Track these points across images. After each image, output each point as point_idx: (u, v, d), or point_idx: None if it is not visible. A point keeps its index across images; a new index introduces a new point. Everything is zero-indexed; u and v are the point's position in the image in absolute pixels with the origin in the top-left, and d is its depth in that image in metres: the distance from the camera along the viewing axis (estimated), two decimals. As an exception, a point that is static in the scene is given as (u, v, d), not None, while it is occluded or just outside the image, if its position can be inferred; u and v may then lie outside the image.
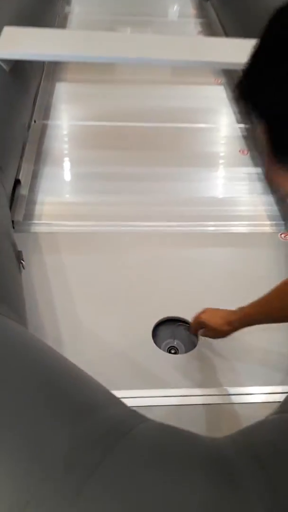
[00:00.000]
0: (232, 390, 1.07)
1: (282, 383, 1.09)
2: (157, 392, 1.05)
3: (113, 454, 0.59)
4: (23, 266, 1.15)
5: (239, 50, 1.67)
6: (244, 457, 0.60)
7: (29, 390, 0.66)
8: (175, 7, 3.00)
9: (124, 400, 1.03)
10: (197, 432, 0.86)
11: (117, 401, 0.73)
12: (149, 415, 1.01)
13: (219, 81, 2.24)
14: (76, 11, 2.78)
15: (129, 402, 1.03)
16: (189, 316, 1.21)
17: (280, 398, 1.06)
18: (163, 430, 0.67)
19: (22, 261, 1.13)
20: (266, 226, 1.53)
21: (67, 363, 0.79)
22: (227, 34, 2.46)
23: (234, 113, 2.04)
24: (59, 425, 0.62)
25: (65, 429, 0.61)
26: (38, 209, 1.49)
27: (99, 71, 2.16)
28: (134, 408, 1.01)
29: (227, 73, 2.26)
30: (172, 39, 1.76)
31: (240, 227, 1.51)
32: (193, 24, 2.76)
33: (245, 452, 0.61)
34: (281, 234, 1.48)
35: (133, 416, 0.68)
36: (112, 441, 0.60)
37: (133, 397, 1.04)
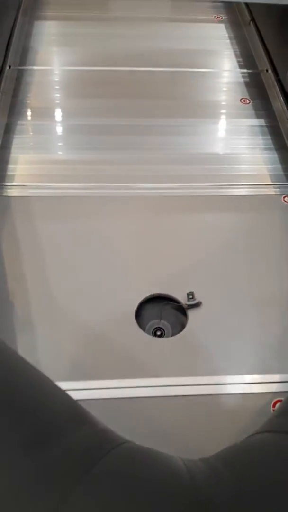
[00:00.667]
0: (224, 379, 0.96)
1: (278, 370, 0.97)
2: (141, 382, 0.94)
3: (74, 495, 0.48)
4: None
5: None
6: (226, 498, 0.49)
7: None
8: None
9: (103, 392, 0.94)
10: (185, 429, 0.75)
11: (86, 420, 0.61)
12: (132, 407, 0.92)
13: (220, 17, 1.99)
14: None
15: (109, 394, 0.94)
16: (178, 293, 1.08)
17: (276, 387, 0.96)
18: (129, 464, 0.55)
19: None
20: (269, 188, 1.37)
21: (25, 368, 0.66)
22: None
23: (236, 55, 1.82)
24: (15, 457, 0.51)
25: (20, 463, 0.50)
26: (10, 169, 1.32)
27: (85, 6, 1.92)
28: (111, 400, 0.92)
29: (228, 8, 2.01)
30: None
31: (240, 189, 1.35)
32: None
33: (227, 492, 0.50)
34: (284, 197, 1.32)
35: (102, 442, 0.57)
36: (71, 481, 0.49)
37: (113, 388, 0.93)
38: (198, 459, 0.64)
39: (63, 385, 0.64)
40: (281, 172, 1.40)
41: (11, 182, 1.29)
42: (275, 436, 0.64)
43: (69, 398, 0.67)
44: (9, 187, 1.27)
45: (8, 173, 1.31)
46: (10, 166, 1.33)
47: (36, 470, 0.50)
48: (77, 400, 0.65)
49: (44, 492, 0.48)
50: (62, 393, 0.67)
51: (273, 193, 1.35)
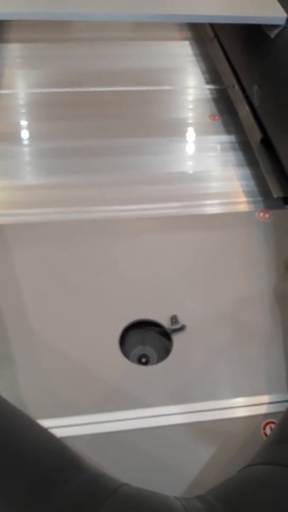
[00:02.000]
0: (213, 404, 0.95)
1: (266, 392, 0.97)
2: (128, 414, 0.92)
3: None
4: None
5: (205, 0, 1.48)
6: None
7: None
8: None
9: (90, 427, 0.91)
10: (178, 459, 0.72)
11: (80, 467, 0.59)
12: (120, 442, 0.89)
13: (184, 35, 2.02)
14: None
15: (95, 429, 0.91)
16: (160, 317, 1.07)
17: (266, 409, 0.95)
18: (130, 510, 0.53)
19: None
20: (243, 204, 1.38)
21: (12, 415, 0.63)
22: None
23: (202, 72, 1.84)
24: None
25: None
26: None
27: (49, 29, 1.91)
28: (101, 436, 0.89)
29: (192, 26, 2.03)
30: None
31: (214, 207, 1.36)
32: None
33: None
34: (259, 213, 1.33)
35: (98, 489, 0.55)
36: None
37: (99, 422, 0.90)
38: (193, 497, 0.62)
39: (47, 422, 0.62)
40: (254, 188, 1.42)
41: (-16, 210, 1.25)
42: (269, 469, 0.63)
43: (59, 442, 0.64)
44: (-19, 215, 1.24)
45: (-19, 201, 1.28)
46: (-17, 194, 1.30)
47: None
48: (63, 437, 0.63)
49: None
50: (52, 437, 0.65)
51: (247, 209, 1.36)
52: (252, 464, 0.65)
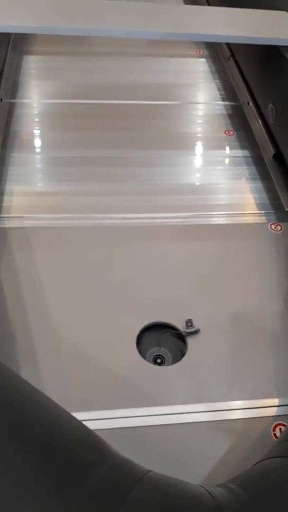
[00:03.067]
0: (224, 405, 0.99)
1: (277, 394, 1.01)
2: (144, 411, 0.96)
3: None
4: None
5: (224, 21, 1.55)
6: None
7: (5, 449, 0.55)
8: None
9: (109, 422, 0.95)
10: (192, 456, 0.76)
11: (108, 452, 0.63)
12: (136, 438, 0.94)
13: (201, 53, 2.09)
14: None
15: (114, 424, 0.95)
16: (175, 321, 1.11)
17: (275, 411, 0.99)
18: (161, 491, 0.57)
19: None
20: (256, 216, 1.43)
21: (45, 403, 0.68)
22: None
23: (218, 89, 1.91)
24: (48, 494, 0.53)
25: (55, 499, 0.52)
26: (6, 200, 1.35)
27: (70, 42, 1.98)
28: (117, 431, 0.93)
29: (209, 44, 2.11)
30: (150, 7, 1.59)
31: (227, 218, 1.41)
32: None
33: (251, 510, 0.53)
34: (271, 225, 1.38)
35: (127, 473, 0.59)
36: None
37: (118, 418, 0.95)
38: (215, 485, 0.67)
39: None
40: (267, 201, 1.47)
41: (8, 214, 1.31)
42: (284, 461, 0.68)
43: (87, 429, 0.68)
44: (6, 218, 1.29)
45: (4, 204, 1.33)
46: (6, 198, 1.35)
47: (74, 506, 0.52)
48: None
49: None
50: (81, 424, 0.69)
51: (260, 221, 1.41)
52: (268, 458, 0.70)
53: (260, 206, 1.45)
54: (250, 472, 0.66)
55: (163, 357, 1.07)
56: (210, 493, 0.61)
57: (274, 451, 0.72)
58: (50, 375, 1.00)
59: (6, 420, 0.59)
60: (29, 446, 0.57)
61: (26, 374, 0.99)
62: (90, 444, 0.64)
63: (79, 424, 0.67)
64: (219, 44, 2.09)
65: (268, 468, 0.66)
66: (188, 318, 1.11)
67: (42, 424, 0.63)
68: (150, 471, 0.63)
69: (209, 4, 2.23)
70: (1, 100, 1.63)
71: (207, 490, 0.62)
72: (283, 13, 1.58)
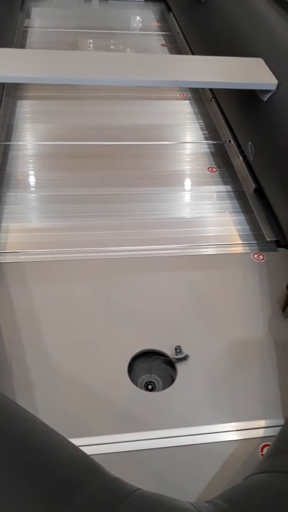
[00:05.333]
0: (213, 427, 1.03)
1: (264, 416, 1.06)
2: (136, 436, 1.00)
3: None
4: (-12, 305, 1.08)
5: (205, 68, 1.68)
6: None
7: (3, 470, 0.60)
8: (138, 20, 2.97)
9: (100, 447, 0.99)
10: (182, 478, 0.81)
11: (98, 471, 0.67)
12: (129, 461, 0.97)
13: (185, 95, 2.22)
14: (36, 24, 2.71)
15: (105, 449, 0.99)
16: (165, 348, 1.17)
17: (263, 433, 1.03)
18: (149, 507, 0.62)
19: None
20: (239, 246, 1.51)
21: (39, 426, 0.72)
22: (190, 46, 2.45)
23: (201, 128, 2.02)
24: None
25: None
26: (2, 237, 1.42)
27: (62, 88, 2.11)
28: (111, 455, 0.97)
29: (192, 88, 2.24)
30: (136, 57, 1.72)
31: (212, 249, 1.48)
32: (156, 37, 2.74)
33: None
34: (253, 254, 1.46)
35: (116, 490, 0.63)
36: None
37: (111, 443, 0.99)
38: (203, 502, 0.71)
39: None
40: (249, 232, 1.55)
41: (4, 250, 1.37)
42: (268, 476, 0.72)
43: (79, 451, 0.73)
44: (2, 254, 1.36)
45: (0, 241, 1.40)
46: (2, 235, 1.42)
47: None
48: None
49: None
50: (73, 446, 0.73)
51: (244, 251, 1.48)
52: (254, 474, 0.74)
53: (243, 237, 1.53)
54: (236, 487, 0.70)
55: (154, 383, 1.12)
56: (196, 507, 0.65)
57: (259, 468, 0.76)
58: (45, 403, 1.04)
59: (6, 440, 0.63)
60: (25, 464, 0.61)
61: (22, 402, 1.03)
62: (82, 465, 0.68)
63: (71, 446, 0.71)
64: (202, 87, 2.23)
65: (252, 483, 0.70)
66: (177, 344, 1.16)
67: (38, 445, 0.67)
68: (139, 489, 0.67)
69: (192, 53, 2.38)
70: (-4, 142, 1.72)
71: (193, 505, 0.66)
72: (259, 59, 1.71)
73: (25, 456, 0.64)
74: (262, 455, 1.00)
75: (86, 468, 0.69)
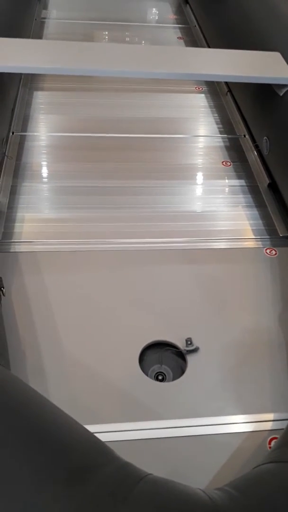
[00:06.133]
0: (222, 419, 1.04)
1: (272, 409, 1.07)
2: (146, 425, 1.02)
3: None
4: (3, 293, 1.10)
5: (221, 62, 1.67)
6: None
7: (18, 451, 0.62)
8: (154, 12, 2.96)
9: (110, 435, 1.01)
10: (191, 468, 0.83)
11: (111, 455, 0.69)
12: (139, 450, 0.99)
13: (201, 88, 2.22)
14: (53, 15, 2.71)
15: (115, 436, 1.01)
16: (176, 339, 1.18)
17: (271, 426, 1.04)
18: (161, 491, 0.63)
19: (2, 289, 1.07)
20: (252, 241, 1.51)
21: (56, 411, 0.74)
22: (206, 39, 2.44)
23: (216, 122, 2.02)
24: (59, 492, 0.59)
25: (66, 496, 0.58)
26: (17, 227, 1.44)
27: (77, 79, 2.11)
28: (122, 443, 0.99)
29: (208, 81, 2.24)
30: (152, 49, 1.72)
31: (224, 243, 1.49)
32: (172, 29, 2.73)
33: (244, 509, 0.59)
34: (266, 249, 1.46)
35: (129, 474, 0.65)
36: (114, 508, 0.57)
37: (119, 431, 1.00)
38: (213, 489, 0.72)
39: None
40: (262, 227, 1.55)
41: (19, 239, 1.39)
42: (277, 466, 0.73)
43: (92, 435, 0.75)
44: (17, 243, 1.38)
45: (16, 230, 1.42)
46: (17, 224, 1.44)
47: (79, 503, 0.58)
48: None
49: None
50: (86, 431, 0.75)
51: (256, 246, 1.49)
52: (262, 463, 0.75)
53: (256, 232, 1.53)
54: (245, 476, 0.72)
55: (164, 374, 1.14)
56: (207, 494, 0.66)
57: (268, 458, 0.78)
58: (57, 391, 1.06)
59: (23, 423, 0.65)
60: (42, 447, 0.63)
61: (35, 388, 1.05)
62: (96, 448, 0.70)
63: (84, 431, 0.73)
64: (218, 81, 2.22)
65: (260, 472, 0.71)
66: (188, 336, 1.17)
67: (53, 428, 0.69)
68: (150, 474, 0.69)
69: (209, 46, 2.37)
70: (13, 133, 1.74)
71: (203, 492, 0.67)
72: (276, 53, 1.70)
73: (41, 438, 0.66)
74: (270, 447, 1.01)
75: (99, 452, 0.70)
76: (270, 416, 1.06)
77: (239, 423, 1.04)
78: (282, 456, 0.74)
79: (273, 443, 1.01)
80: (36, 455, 0.63)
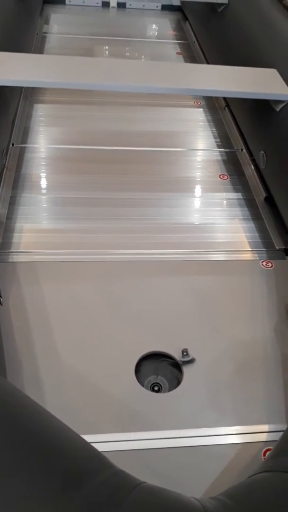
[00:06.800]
0: (217, 430, 1.05)
1: (268, 421, 1.07)
2: (141, 435, 1.02)
3: None
4: (1, 303, 1.11)
5: (220, 77, 1.70)
6: None
7: (13, 457, 0.62)
8: (154, 28, 3.02)
9: (106, 445, 1.01)
10: (186, 478, 0.83)
11: (106, 463, 0.70)
12: (134, 460, 0.99)
13: (199, 103, 2.25)
14: (55, 30, 2.76)
15: (111, 447, 1.01)
16: (172, 350, 1.19)
17: (266, 437, 1.05)
18: (154, 499, 0.64)
19: (0, 298, 1.08)
20: (248, 253, 1.52)
21: (51, 419, 0.75)
22: (205, 55, 2.49)
23: (214, 136, 2.05)
24: (53, 498, 0.59)
25: (60, 503, 0.58)
26: (16, 237, 1.45)
27: (77, 93, 2.14)
28: (117, 453, 0.99)
29: (206, 96, 2.27)
30: (151, 65, 1.76)
31: (221, 255, 1.50)
32: (171, 45, 2.78)
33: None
34: (262, 262, 1.47)
35: (123, 482, 0.65)
36: None
37: (117, 441, 1.01)
38: (207, 498, 0.72)
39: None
40: (259, 240, 1.57)
41: (17, 249, 1.40)
42: (271, 475, 0.74)
43: (86, 442, 0.75)
44: (15, 253, 1.39)
45: (14, 241, 1.43)
46: (16, 235, 1.45)
47: (75, 508, 0.58)
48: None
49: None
50: (81, 439, 0.76)
51: (253, 258, 1.50)
52: (256, 473, 0.76)
53: (252, 244, 1.55)
54: (239, 485, 0.72)
55: (160, 384, 1.14)
56: (201, 502, 0.67)
57: (261, 468, 0.78)
58: (53, 400, 1.06)
59: (19, 430, 0.66)
60: (38, 453, 0.64)
61: (31, 397, 1.06)
62: (90, 456, 0.71)
63: (80, 439, 0.74)
64: (216, 96, 2.26)
65: (254, 482, 0.72)
66: (184, 347, 1.18)
67: (48, 435, 0.70)
68: (143, 482, 0.69)
69: (207, 62, 2.41)
70: (13, 145, 1.76)
71: (197, 500, 0.68)
72: (272, 70, 1.73)
73: (36, 445, 0.66)
74: (264, 459, 1.01)
75: (94, 459, 0.71)
76: (265, 427, 1.06)
77: (234, 434, 1.05)
78: (275, 466, 0.75)
79: (267, 454, 1.01)
80: (31, 461, 0.64)
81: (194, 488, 0.94)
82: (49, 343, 1.17)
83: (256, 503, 0.64)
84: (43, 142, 1.89)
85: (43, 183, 1.70)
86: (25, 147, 1.82)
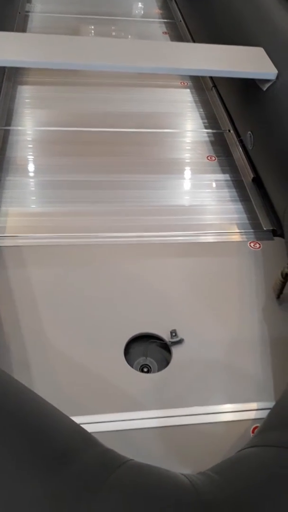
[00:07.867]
0: (206, 409, 1.06)
1: (256, 399, 1.08)
2: (131, 415, 1.03)
3: (97, 504, 0.56)
4: (-13, 287, 1.09)
5: (206, 56, 1.68)
6: (225, 503, 0.59)
7: (5, 433, 0.62)
8: (140, 6, 2.96)
9: (95, 426, 1.01)
10: (175, 456, 0.84)
11: (93, 442, 0.70)
12: (124, 440, 1.00)
13: (186, 84, 2.22)
14: (37, 9, 2.69)
15: (101, 427, 1.01)
16: (161, 332, 1.19)
17: (254, 415, 1.06)
18: (141, 475, 0.64)
19: (-14, 282, 1.07)
20: (236, 234, 1.52)
21: (38, 400, 0.75)
22: (191, 34, 2.45)
23: (201, 117, 2.03)
24: (39, 476, 0.59)
25: (46, 480, 0.58)
26: (1, 221, 1.43)
27: (62, 73, 2.10)
28: (107, 433, 0.99)
29: (193, 76, 2.24)
30: (138, 44, 1.72)
31: (209, 236, 1.50)
32: (157, 24, 2.73)
33: (225, 498, 0.60)
34: (250, 243, 1.47)
35: (110, 459, 0.65)
36: (92, 491, 0.58)
37: (105, 422, 1.01)
38: (195, 473, 0.73)
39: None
40: (246, 221, 1.57)
41: (3, 233, 1.39)
42: (258, 449, 0.75)
43: (74, 422, 0.75)
44: (1, 237, 1.37)
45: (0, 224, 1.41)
46: (1, 219, 1.43)
47: (62, 484, 0.59)
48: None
49: (72, 501, 0.56)
50: (69, 419, 0.76)
51: (241, 239, 1.50)
52: (243, 448, 0.77)
53: (240, 225, 1.55)
54: (226, 461, 0.73)
55: (149, 366, 1.14)
56: (188, 478, 0.67)
57: (249, 443, 0.79)
58: (42, 383, 1.06)
59: (4, 409, 0.66)
60: (24, 432, 0.64)
61: (20, 380, 1.05)
62: (78, 435, 0.71)
63: (67, 419, 0.74)
64: (202, 76, 2.23)
65: (241, 457, 0.73)
66: (173, 328, 1.18)
67: (35, 415, 0.70)
68: (131, 459, 0.70)
69: (194, 41, 2.38)
70: (-3, 127, 1.73)
71: (185, 476, 0.68)
72: (259, 49, 1.71)
73: (25, 426, 0.66)
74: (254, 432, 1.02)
75: (81, 438, 0.71)
76: (254, 405, 1.07)
77: (223, 413, 1.06)
78: (261, 441, 0.75)
79: (256, 431, 1.03)
80: (19, 440, 0.63)
81: (184, 466, 0.95)
82: (37, 326, 1.17)
83: (242, 477, 0.65)
84: (28, 124, 1.86)
85: (29, 166, 1.67)
86: (9, 129, 1.79)
